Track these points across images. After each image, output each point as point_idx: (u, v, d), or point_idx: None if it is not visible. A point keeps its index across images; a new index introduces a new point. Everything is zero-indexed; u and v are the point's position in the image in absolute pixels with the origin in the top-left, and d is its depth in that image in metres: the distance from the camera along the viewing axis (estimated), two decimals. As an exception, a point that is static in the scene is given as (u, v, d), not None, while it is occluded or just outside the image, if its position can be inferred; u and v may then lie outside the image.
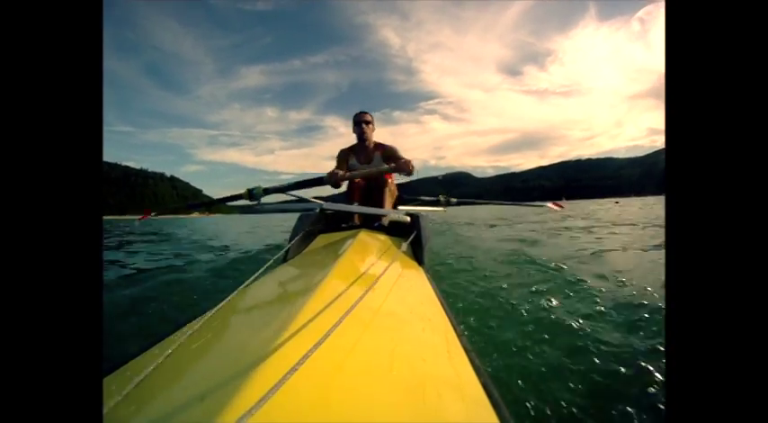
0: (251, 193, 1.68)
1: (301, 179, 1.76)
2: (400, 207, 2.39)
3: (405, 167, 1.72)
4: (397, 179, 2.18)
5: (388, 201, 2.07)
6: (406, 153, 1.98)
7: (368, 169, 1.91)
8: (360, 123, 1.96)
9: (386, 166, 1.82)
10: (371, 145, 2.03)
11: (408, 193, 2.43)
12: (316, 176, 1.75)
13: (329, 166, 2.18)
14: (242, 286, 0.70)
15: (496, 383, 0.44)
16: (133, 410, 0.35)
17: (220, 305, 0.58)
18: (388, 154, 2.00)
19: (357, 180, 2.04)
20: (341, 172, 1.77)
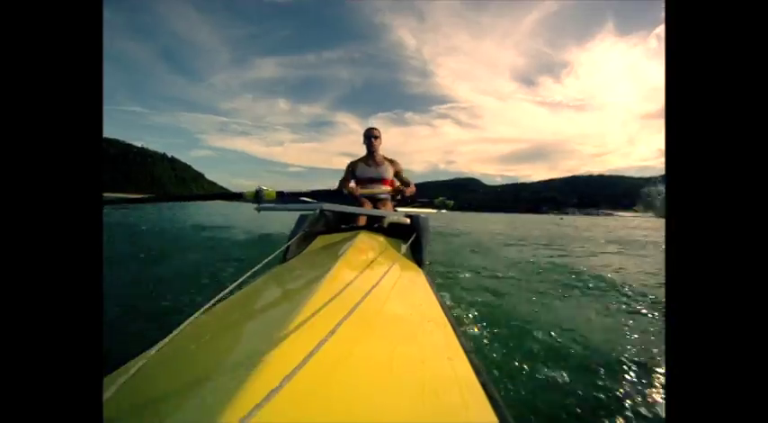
0: (257, 194, 1.64)
1: (317, 189, 2.06)
2: (399, 208, 2.41)
3: (408, 194, 2.25)
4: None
5: (389, 204, 2.29)
6: (413, 156, 2.20)
7: (380, 189, 2.34)
8: (369, 137, 2.31)
9: (396, 187, 2.32)
10: (379, 156, 2.37)
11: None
12: (332, 189, 2.09)
13: (340, 161, 2.38)
14: (236, 284, 0.70)
15: (496, 384, 0.44)
16: (133, 409, 0.35)
17: (219, 306, 0.58)
18: (397, 169, 2.39)
19: (361, 182, 2.29)
20: (359, 188, 2.20)
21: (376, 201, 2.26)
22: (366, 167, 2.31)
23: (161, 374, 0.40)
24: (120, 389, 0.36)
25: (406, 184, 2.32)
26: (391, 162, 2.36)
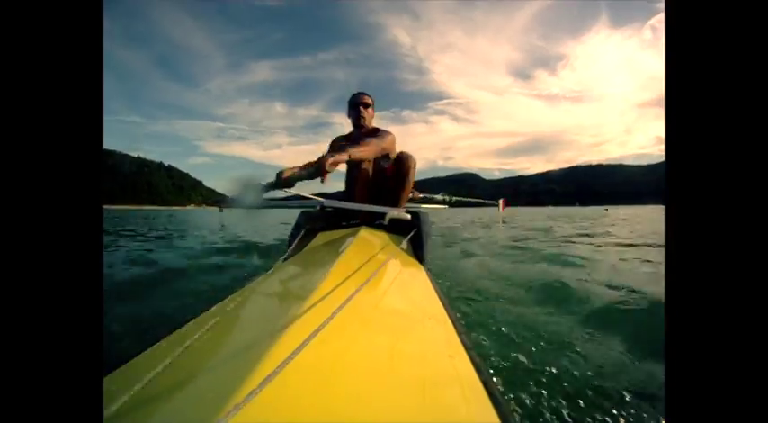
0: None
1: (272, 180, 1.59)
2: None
3: (377, 149, 1.21)
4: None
5: (403, 196, 1.70)
6: (413, 152, 1.71)
7: (339, 153, 1.26)
8: (357, 106, 1.53)
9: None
10: (367, 133, 1.57)
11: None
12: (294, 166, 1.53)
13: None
14: (240, 286, 0.70)
15: (497, 381, 0.44)
16: (133, 409, 0.35)
17: (220, 304, 0.58)
18: (384, 145, 1.52)
19: (360, 174, 1.77)
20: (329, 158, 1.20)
21: (379, 198, 2.12)
22: None
23: (161, 374, 0.40)
24: (119, 389, 0.35)
25: (387, 156, 1.53)
26: (377, 135, 1.54)
